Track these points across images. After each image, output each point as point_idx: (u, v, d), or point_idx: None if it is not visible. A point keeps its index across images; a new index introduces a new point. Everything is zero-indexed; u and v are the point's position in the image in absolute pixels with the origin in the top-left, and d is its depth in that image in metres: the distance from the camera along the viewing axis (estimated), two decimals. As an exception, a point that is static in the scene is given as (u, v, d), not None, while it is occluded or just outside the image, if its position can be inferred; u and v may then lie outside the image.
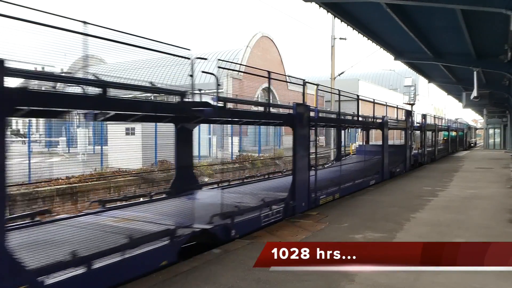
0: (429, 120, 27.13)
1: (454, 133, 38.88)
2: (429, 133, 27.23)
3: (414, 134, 22.85)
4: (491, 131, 48.09)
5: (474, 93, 18.43)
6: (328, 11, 12.00)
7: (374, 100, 16.44)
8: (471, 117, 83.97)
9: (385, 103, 18.45)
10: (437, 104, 74.71)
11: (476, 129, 69.71)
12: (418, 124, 22.98)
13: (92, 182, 12.18)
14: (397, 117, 19.59)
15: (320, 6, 11.43)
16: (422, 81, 38.60)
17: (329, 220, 8.42)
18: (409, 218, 8.64)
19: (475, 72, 17.31)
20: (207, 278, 5.11)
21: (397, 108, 19.60)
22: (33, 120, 18.15)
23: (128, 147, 13.59)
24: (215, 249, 6.25)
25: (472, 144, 55.63)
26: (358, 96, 15.15)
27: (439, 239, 6.96)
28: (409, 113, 19.69)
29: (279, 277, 5.13)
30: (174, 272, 5.31)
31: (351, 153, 20.38)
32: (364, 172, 13.74)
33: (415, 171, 19.47)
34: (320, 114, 11.66)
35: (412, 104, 41.21)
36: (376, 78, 61.58)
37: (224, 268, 5.48)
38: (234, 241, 6.71)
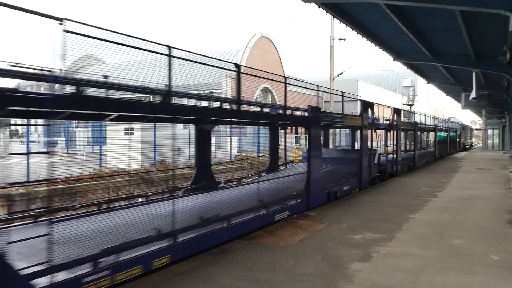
0: (407, 118, 22.77)
1: (443, 134, 33.92)
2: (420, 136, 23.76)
3: (405, 134, 19.47)
4: (489, 132, 48.16)
5: (473, 94, 18.47)
6: (327, 12, 12.02)
7: (286, 77, 9.84)
8: (470, 118, 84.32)
9: (316, 87, 11.82)
10: (436, 105, 74.99)
11: (471, 129, 62.68)
12: (388, 122, 17.59)
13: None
14: (342, 111, 12.81)
15: (319, 7, 11.45)
16: (421, 82, 38.65)
17: (328, 220, 8.42)
18: (407, 218, 8.65)
19: (474, 73, 17.36)
20: (206, 278, 5.11)
21: (342, 95, 13.05)
22: (32, 120, 18.13)
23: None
24: (214, 249, 6.24)
25: (467, 146, 50.42)
26: (238, 66, 7.60)
27: (438, 239, 6.98)
28: (367, 106, 13.55)
29: (278, 278, 5.13)
30: (173, 272, 5.30)
31: (296, 161, 15.04)
32: (268, 197, 7.90)
33: (376, 189, 13.10)
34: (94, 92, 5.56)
35: (411, 105, 41.32)
36: (375, 78, 61.85)
37: (223, 268, 5.47)
38: (234, 241, 6.70)
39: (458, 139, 41.17)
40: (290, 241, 6.81)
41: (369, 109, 13.84)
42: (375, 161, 14.44)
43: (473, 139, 66.46)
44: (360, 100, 13.79)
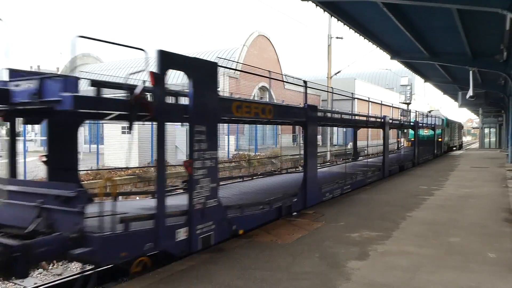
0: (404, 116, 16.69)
1: (408, 131, 25.11)
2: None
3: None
4: (486, 130, 48.36)
5: (470, 92, 18.57)
6: (324, 10, 12.03)
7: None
8: (467, 117, 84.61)
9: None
10: (434, 104, 75.21)
11: (461, 126, 50.21)
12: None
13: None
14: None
15: (316, 5, 11.46)
16: (418, 80, 38.73)
17: (326, 219, 8.43)
18: (405, 216, 8.67)
19: (471, 72, 17.45)
20: (203, 277, 5.10)
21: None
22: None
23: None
24: (211, 248, 6.24)
25: (454, 147, 40.40)
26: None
27: (435, 237, 6.99)
28: None
29: (275, 276, 5.13)
30: (170, 271, 5.29)
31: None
32: None
33: None
34: None
35: (408, 103, 41.37)
36: (373, 77, 61.88)
37: (220, 267, 5.46)
38: (231, 240, 6.70)
39: (439, 139, 30.47)
40: (287, 240, 6.81)
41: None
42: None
43: (467, 138, 62.81)
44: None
